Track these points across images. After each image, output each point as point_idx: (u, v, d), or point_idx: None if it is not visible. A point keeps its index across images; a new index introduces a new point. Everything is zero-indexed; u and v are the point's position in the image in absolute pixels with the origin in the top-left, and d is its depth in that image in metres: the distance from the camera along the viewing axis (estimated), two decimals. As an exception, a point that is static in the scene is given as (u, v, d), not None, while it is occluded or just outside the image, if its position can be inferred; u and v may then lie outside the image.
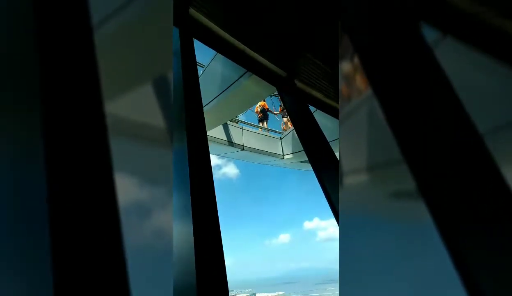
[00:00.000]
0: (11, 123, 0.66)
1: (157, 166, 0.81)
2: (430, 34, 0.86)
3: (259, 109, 6.38)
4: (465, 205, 0.67)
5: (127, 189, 0.74)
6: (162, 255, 0.74)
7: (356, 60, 0.95)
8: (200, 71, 3.81)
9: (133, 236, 0.70)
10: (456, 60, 0.82)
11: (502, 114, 0.71)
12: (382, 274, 0.77)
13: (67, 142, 0.66)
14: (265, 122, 6.32)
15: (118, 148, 0.75)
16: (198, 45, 2.37)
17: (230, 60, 2.55)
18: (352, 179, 0.90)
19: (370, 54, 0.92)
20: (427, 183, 0.71)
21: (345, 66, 0.99)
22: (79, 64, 0.75)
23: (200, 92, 1.52)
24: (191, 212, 0.90)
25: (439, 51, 0.81)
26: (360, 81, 0.93)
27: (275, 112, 6.76)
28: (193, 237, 0.84)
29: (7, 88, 0.68)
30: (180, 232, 0.90)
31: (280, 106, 6.55)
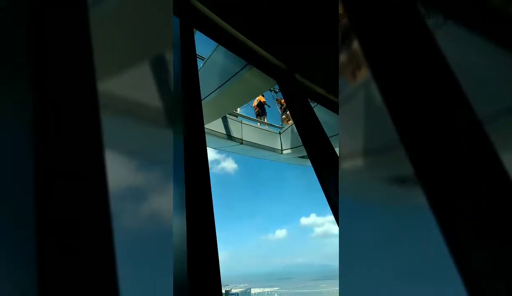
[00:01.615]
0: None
1: (157, 156, 0.81)
2: (431, 18, 0.84)
3: (256, 104, 6.31)
4: (462, 191, 0.66)
5: (125, 178, 0.73)
6: (162, 245, 0.73)
7: (356, 43, 0.92)
8: (201, 63, 3.77)
9: (129, 225, 0.69)
10: (456, 45, 0.80)
11: (502, 100, 0.70)
12: (380, 256, 0.77)
13: (60, 129, 0.64)
14: (264, 118, 6.27)
15: (115, 131, 0.74)
16: (200, 37, 2.33)
17: (231, 52, 2.52)
18: (351, 163, 0.88)
19: (370, 37, 0.89)
20: (424, 168, 0.69)
21: (346, 49, 0.97)
22: (75, 48, 0.72)
23: (199, 84, 1.49)
24: (185, 204, 0.88)
25: (440, 35, 0.79)
26: (360, 64, 0.91)
27: (277, 105, 6.66)
28: (186, 230, 0.83)
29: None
30: (173, 224, 0.88)
31: (281, 107, 6.46)
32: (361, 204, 0.83)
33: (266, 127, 5.95)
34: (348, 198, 0.83)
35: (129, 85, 0.84)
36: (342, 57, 0.96)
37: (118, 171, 0.70)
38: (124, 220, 0.68)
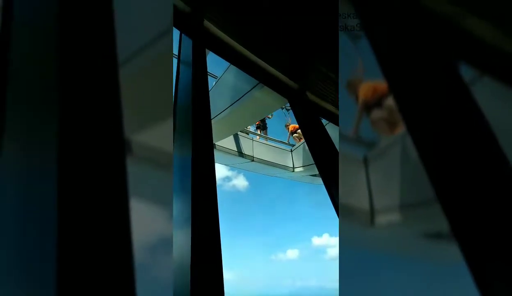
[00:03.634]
0: (26, 135, 0.68)
1: (157, 186, 0.81)
2: (466, 73, 0.83)
3: None
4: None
5: (128, 205, 0.74)
6: (163, 267, 0.72)
7: (379, 96, 0.90)
8: (214, 82, 3.88)
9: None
10: (492, 100, 0.79)
11: None
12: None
13: (76, 156, 0.66)
14: (265, 132, 6.24)
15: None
16: (214, 57, 2.41)
17: (242, 72, 2.58)
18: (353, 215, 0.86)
19: (403, 91, 0.87)
20: (458, 224, 0.66)
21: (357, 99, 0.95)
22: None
23: (209, 103, 1.52)
24: (190, 222, 0.87)
25: (475, 90, 0.77)
26: (385, 120, 0.89)
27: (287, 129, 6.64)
28: (190, 248, 0.81)
29: (27, 103, 0.70)
30: (176, 244, 0.87)
31: (290, 132, 6.42)
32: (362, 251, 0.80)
33: (278, 144, 5.93)
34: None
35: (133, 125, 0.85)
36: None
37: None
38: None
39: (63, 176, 0.61)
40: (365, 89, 0.92)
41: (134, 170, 0.80)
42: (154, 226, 0.76)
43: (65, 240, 0.56)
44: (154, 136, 0.85)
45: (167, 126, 0.89)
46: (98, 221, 0.62)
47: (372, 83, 0.91)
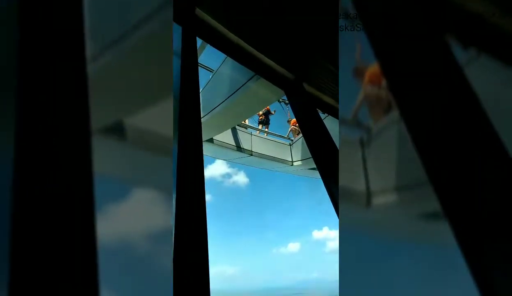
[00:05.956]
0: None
1: (156, 172, 0.78)
2: (462, 53, 0.80)
3: (260, 112, 6.23)
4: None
5: (125, 194, 0.71)
6: (161, 262, 0.70)
7: (374, 74, 0.87)
8: (210, 75, 3.79)
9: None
10: (488, 79, 0.77)
11: None
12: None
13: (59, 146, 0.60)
14: (267, 127, 6.18)
15: (115, 151, 0.74)
16: (211, 49, 2.30)
17: (238, 64, 2.49)
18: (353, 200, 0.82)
19: (394, 70, 0.83)
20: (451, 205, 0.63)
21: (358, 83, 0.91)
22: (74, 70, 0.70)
23: (198, 91, 1.44)
24: (174, 220, 0.80)
25: (470, 69, 0.75)
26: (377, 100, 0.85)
27: (273, 112, 6.56)
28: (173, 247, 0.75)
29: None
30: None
31: (290, 122, 6.36)
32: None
33: (276, 138, 5.87)
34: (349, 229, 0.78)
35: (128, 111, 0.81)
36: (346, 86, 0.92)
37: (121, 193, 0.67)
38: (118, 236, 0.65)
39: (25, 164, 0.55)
40: (370, 73, 0.88)
41: (130, 156, 0.77)
42: (154, 213, 0.73)
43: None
44: (153, 121, 0.81)
45: (167, 110, 0.85)
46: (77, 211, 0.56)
47: (376, 68, 0.87)
